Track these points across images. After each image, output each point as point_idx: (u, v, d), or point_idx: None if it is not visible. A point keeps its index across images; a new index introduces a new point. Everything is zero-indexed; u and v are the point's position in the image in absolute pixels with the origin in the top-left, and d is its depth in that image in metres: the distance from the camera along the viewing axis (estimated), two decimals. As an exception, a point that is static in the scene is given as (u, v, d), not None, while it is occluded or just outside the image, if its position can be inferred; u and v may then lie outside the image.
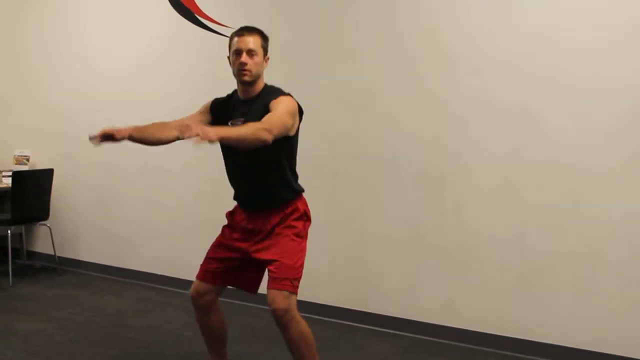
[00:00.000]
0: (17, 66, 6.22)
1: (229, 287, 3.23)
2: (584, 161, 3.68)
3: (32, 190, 5.53)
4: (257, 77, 2.99)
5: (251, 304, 4.57)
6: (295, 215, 3.04)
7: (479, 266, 4.01)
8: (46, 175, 5.69)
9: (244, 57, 2.93)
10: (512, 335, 3.90)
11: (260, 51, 2.96)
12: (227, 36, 4.84)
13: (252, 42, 2.94)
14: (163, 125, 3.13)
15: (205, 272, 3.15)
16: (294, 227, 3.02)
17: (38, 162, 6.02)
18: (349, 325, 4.39)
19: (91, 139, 2.89)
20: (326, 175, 4.52)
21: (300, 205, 3.08)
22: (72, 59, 5.81)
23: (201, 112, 3.20)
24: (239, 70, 2.95)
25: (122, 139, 2.90)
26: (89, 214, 5.82)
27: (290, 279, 2.92)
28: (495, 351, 3.92)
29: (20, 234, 6.10)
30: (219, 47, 4.88)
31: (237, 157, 3.02)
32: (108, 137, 2.87)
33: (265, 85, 3.05)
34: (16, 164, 6.06)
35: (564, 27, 3.71)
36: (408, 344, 4.06)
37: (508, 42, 3.85)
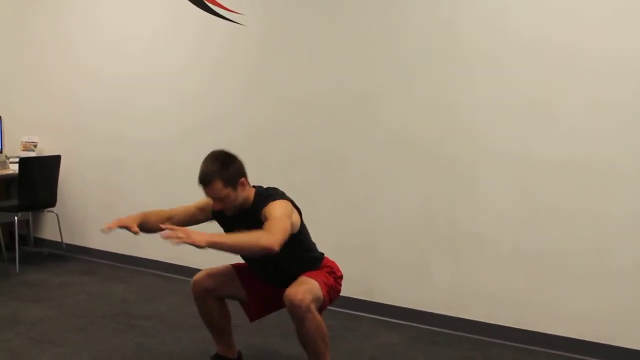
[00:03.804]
0: (24, 53, 6.19)
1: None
2: (597, 154, 3.61)
3: (39, 176, 5.51)
4: (240, 201, 2.91)
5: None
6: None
7: (489, 258, 3.97)
8: (53, 162, 5.67)
9: (216, 205, 2.91)
10: (522, 327, 3.86)
11: (226, 192, 2.83)
12: (236, 22, 4.83)
13: (214, 191, 2.84)
14: (164, 214, 3.12)
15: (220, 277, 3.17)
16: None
17: (46, 149, 6.00)
18: (355, 315, 4.37)
19: (103, 230, 2.98)
20: (333, 164, 4.48)
21: (325, 266, 3.11)
22: (80, 46, 5.77)
23: (198, 208, 3.14)
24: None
25: (135, 232, 3.00)
26: (97, 201, 5.81)
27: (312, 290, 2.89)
28: (505, 343, 3.88)
29: (28, 221, 6.10)
30: (228, 33, 4.87)
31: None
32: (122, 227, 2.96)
33: (256, 192, 2.97)
34: (23, 150, 6.05)
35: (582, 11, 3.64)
36: (416, 335, 4.04)
37: (524, 30, 3.76)
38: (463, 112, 3.99)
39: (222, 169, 2.82)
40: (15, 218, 5.39)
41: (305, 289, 2.84)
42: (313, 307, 2.83)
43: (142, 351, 3.66)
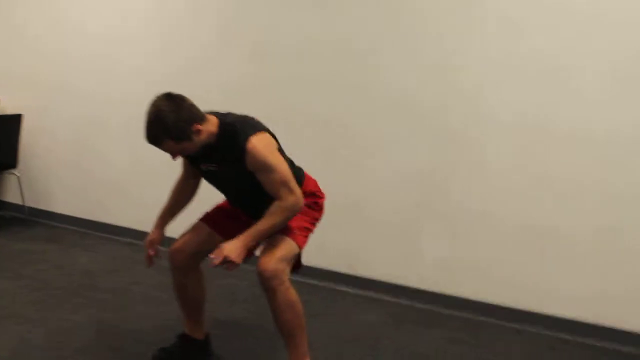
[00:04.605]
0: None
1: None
2: (613, 126, 3.32)
3: (-1, 136, 5.14)
4: (202, 144, 2.55)
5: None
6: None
7: (488, 234, 3.68)
8: (13, 121, 5.27)
9: (175, 156, 2.59)
10: (517, 307, 3.61)
11: (180, 146, 2.50)
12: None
13: (168, 150, 2.52)
14: (178, 190, 2.94)
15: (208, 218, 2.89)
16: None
17: (9, 107, 5.59)
18: (335, 289, 4.09)
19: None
20: (319, 125, 4.15)
21: (306, 191, 2.76)
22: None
23: (184, 163, 2.91)
24: None
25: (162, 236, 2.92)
26: (65, 162, 5.42)
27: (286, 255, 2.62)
28: (498, 322, 3.63)
29: (-12, 183, 5.73)
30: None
31: (223, 186, 2.78)
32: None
33: (220, 126, 2.58)
34: (-15, 108, 5.64)
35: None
36: (400, 312, 3.77)
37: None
38: (469, 77, 3.67)
39: (168, 125, 2.43)
40: (-28, 180, 5.02)
41: (278, 257, 2.57)
42: (285, 278, 2.59)
43: (103, 328, 3.36)
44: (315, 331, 3.39)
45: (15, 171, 5.38)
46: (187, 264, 2.85)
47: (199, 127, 2.50)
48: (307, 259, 4.12)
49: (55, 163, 5.46)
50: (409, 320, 3.66)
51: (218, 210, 2.91)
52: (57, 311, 3.56)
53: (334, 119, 4.10)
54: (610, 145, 3.35)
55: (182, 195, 2.93)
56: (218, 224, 2.85)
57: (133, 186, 5.05)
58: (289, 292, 2.61)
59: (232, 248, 2.49)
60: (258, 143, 2.52)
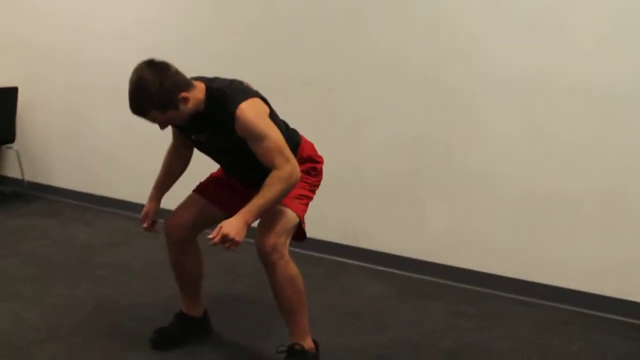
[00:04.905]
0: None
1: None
2: (619, 82, 3.16)
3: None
4: (190, 112, 2.41)
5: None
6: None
7: (487, 201, 3.58)
8: (9, 94, 5.17)
9: (162, 126, 2.45)
10: (521, 277, 3.51)
11: (167, 115, 2.36)
12: None
13: (154, 120, 2.38)
14: (170, 160, 2.83)
15: (202, 188, 2.78)
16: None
17: (2, 77, 5.47)
18: (337, 261, 4.01)
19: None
20: (316, 91, 4.03)
21: (303, 156, 2.65)
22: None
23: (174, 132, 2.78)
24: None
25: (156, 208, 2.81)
26: (61, 136, 5.33)
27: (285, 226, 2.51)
28: (501, 294, 3.54)
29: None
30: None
31: (215, 156, 2.66)
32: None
33: (208, 92, 2.43)
34: (-21, 81, 5.53)
35: None
36: (403, 284, 3.69)
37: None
38: (464, 31, 3.52)
39: (152, 94, 2.30)
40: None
41: (276, 229, 2.46)
42: (284, 252, 2.48)
43: (101, 305, 3.29)
44: (316, 305, 3.30)
45: (13, 145, 5.30)
46: (183, 238, 2.75)
47: (186, 94, 2.37)
48: (308, 231, 4.06)
49: (53, 135, 5.37)
50: (413, 293, 3.58)
51: (212, 180, 2.80)
52: (55, 288, 3.50)
53: (328, 86, 3.99)
54: (611, 100, 3.20)
55: (174, 166, 2.81)
56: (213, 194, 2.75)
57: (130, 158, 4.95)
58: (289, 267, 2.51)
59: (232, 226, 2.32)
60: (248, 109, 2.37)
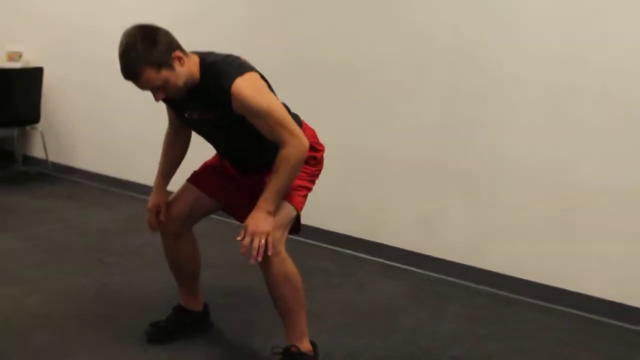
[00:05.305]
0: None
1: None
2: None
3: (20, 90, 5.00)
4: (184, 80, 2.24)
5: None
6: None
7: (512, 198, 3.35)
8: (35, 75, 5.13)
9: (158, 95, 2.25)
10: (545, 282, 3.28)
11: (163, 75, 2.18)
12: None
13: (149, 82, 2.18)
14: (169, 144, 2.67)
15: (195, 177, 2.63)
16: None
17: (32, 59, 5.45)
18: (352, 256, 3.84)
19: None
20: (334, 87, 3.84)
21: None
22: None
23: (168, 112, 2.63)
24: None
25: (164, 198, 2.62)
26: (85, 118, 5.28)
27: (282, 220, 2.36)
28: (523, 299, 3.32)
29: (12, 138, 5.63)
30: None
31: (209, 136, 2.50)
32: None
33: (202, 65, 2.28)
34: (8, 60, 5.51)
35: None
36: (419, 284, 3.49)
37: None
38: (495, 16, 3.30)
39: (145, 51, 2.15)
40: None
41: (274, 224, 2.30)
42: (280, 248, 2.34)
43: (104, 293, 3.20)
44: (329, 302, 3.18)
45: (38, 126, 5.27)
46: (178, 230, 2.63)
47: (180, 54, 2.21)
48: (322, 223, 3.90)
49: (76, 117, 5.32)
50: (430, 293, 3.38)
51: (206, 168, 2.66)
52: (60, 274, 3.42)
53: (355, 69, 3.79)
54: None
55: (174, 151, 2.66)
56: (207, 184, 2.60)
57: (154, 140, 4.84)
58: (286, 264, 2.37)
59: (254, 220, 2.23)
60: (244, 85, 2.20)
